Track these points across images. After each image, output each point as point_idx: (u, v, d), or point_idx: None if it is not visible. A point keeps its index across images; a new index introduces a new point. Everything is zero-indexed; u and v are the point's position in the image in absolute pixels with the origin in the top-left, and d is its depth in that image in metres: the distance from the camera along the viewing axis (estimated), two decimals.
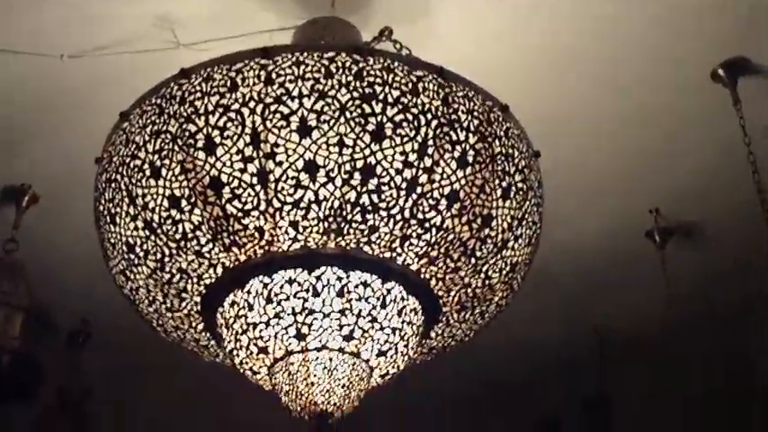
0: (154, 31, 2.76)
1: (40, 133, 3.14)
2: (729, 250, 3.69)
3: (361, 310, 2.08)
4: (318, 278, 2.07)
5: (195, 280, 2.18)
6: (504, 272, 2.27)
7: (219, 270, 2.14)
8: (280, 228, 2.02)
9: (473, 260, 2.18)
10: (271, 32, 2.64)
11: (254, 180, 1.98)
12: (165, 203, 2.05)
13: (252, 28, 2.69)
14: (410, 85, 2.04)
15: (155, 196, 2.06)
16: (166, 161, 2.03)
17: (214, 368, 2.79)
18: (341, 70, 2.01)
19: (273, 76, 2.00)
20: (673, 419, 4.34)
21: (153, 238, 2.11)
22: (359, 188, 1.98)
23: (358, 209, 2.00)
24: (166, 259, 2.14)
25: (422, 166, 2.01)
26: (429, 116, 2.03)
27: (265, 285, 2.09)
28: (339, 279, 2.08)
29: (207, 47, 2.64)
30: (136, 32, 2.78)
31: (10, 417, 3.41)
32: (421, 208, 2.04)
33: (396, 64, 2.06)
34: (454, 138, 2.05)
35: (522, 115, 2.29)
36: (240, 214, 2.01)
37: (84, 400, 4.05)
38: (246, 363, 2.19)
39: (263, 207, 1.99)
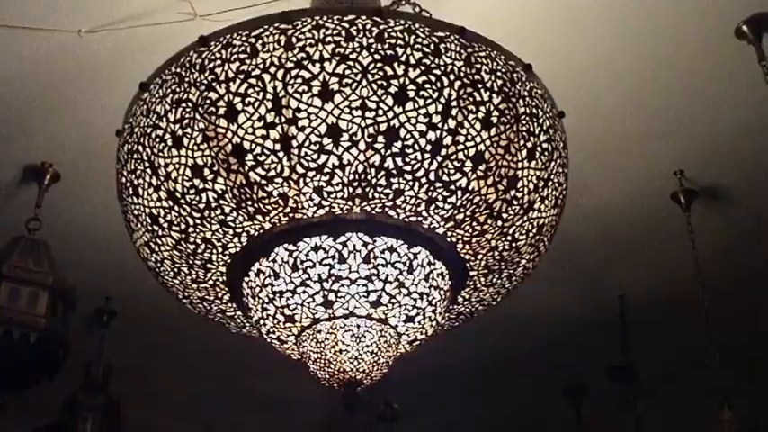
0: (170, 3, 2.74)
1: (59, 110, 3.13)
2: (755, 210, 3.66)
3: (387, 276, 2.06)
4: (344, 244, 2.05)
5: (220, 250, 2.16)
6: (530, 234, 2.24)
7: (244, 239, 2.12)
8: (304, 194, 2.00)
9: (499, 222, 2.15)
10: (288, 0, 2.61)
11: (277, 146, 1.95)
12: (188, 173, 2.03)
13: None
14: (432, 46, 2.00)
15: (177, 166, 2.04)
16: (188, 130, 2.01)
17: (239, 343, 2.79)
18: (362, 33, 1.97)
19: (294, 40, 1.97)
20: (698, 384, 4.32)
21: (176, 208, 2.09)
22: (383, 152, 1.95)
23: (382, 173, 1.97)
24: (191, 229, 2.12)
25: (446, 127, 1.98)
26: (452, 77, 1.99)
27: (291, 253, 2.07)
28: (365, 245, 2.06)
29: (224, 17, 2.61)
30: (153, 5, 2.76)
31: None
32: (446, 170, 2.01)
33: (417, 25, 2.02)
34: (478, 98, 2.02)
35: (542, 76, 2.26)
36: (264, 181, 1.99)
37: (109, 377, 4.07)
38: (274, 332, 2.18)
39: (286, 173, 1.97)
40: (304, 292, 2.06)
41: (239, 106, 1.96)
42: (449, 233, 2.14)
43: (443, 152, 1.99)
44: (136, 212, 2.20)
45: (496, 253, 2.24)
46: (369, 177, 1.97)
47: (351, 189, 1.99)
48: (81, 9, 2.78)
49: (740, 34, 2.89)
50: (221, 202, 2.05)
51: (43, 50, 2.90)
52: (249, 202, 2.03)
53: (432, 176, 2.00)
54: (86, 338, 4.01)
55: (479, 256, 2.24)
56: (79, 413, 3.90)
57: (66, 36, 2.84)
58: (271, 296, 2.11)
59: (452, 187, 2.03)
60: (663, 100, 3.18)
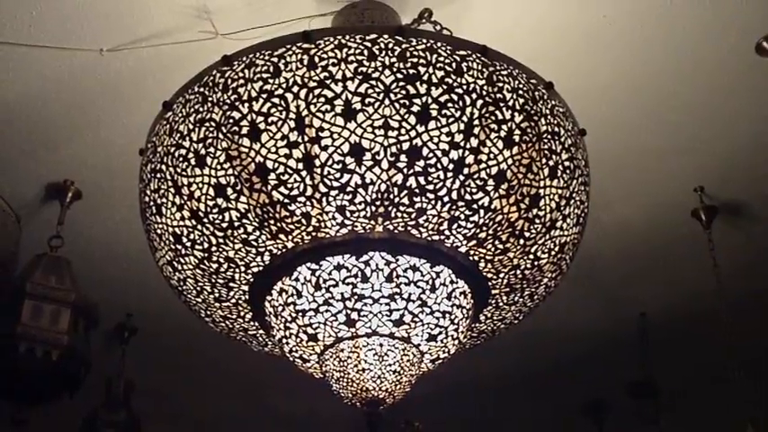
0: (192, 22, 2.75)
1: (81, 128, 3.14)
2: None
3: (410, 295, 2.07)
4: (367, 263, 2.06)
5: (243, 269, 2.17)
6: (552, 252, 2.24)
7: (267, 258, 2.13)
8: (327, 213, 2.00)
9: (522, 241, 2.15)
10: (309, 19, 2.62)
11: (300, 165, 1.96)
12: (211, 192, 2.04)
13: (289, 15, 2.67)
14: (454, 64, 2.01)
15: (200, 185, 2.05)
16: (211, 149, 2.02)
17: (259, 362, 2.79)
18: (384, 52, 1.98)
19: (316, 59, 1.98)
20: (723, 402, 4.29)
21: (199, 227, 2.10)
22: (405, 170, 1.96)
23: (405, 192, 1.98)
24: (213, 248, 2.13)
25: (468, 146, 1.98)
26: (474, 96, 2.00)
27: (313, 272, 2.08)
28: (388, 263, 2.06)
29: (245, 36, 2.63)
30: (174, 24, 2.76)
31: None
32: (468, 189, 2.01)
33: (438, 44, 2.03)
34: (500, 117, 2.02)
35: (563, 93, 2.25)
36: (287, 200, 1.99)
37: (130, 393, 4.07)
38: (296, 351, 2.18)
39: (309, 192, 1.98)
40: (327, 311, 2.06)
41: (262, 125, 1.97)
42: (471, 252, 2.14)
43: (466, 171, 1.99)
44: (159, 231, 2.20)
45: (519, 271, 2.24)
46: (391, 196, 1.98)
47: (373, 208, 1.99)
48: (103, 28, 2.79)
49: (761, 50, 2.88)
50: (244, 221, 2.05)
51: (65, 69, 2.92)
52: (272, 221, 2.03)
53: (454, 195, 2.00)
54: (107, 355, 4.02)
55: (501, 275, 2.23)
56: (99, 429, 3.90)
57: (88, 55, 2.85)
58: (293, 315, 2.11)
59: (475, 206, 2.04)
60: (683, 116, 3.16)
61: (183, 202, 2.09)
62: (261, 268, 2.15)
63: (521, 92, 2.08)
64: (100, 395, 3.98)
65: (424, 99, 1.96)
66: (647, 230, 3.69)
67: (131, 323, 4.16)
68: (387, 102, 1.94)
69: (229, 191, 2.02)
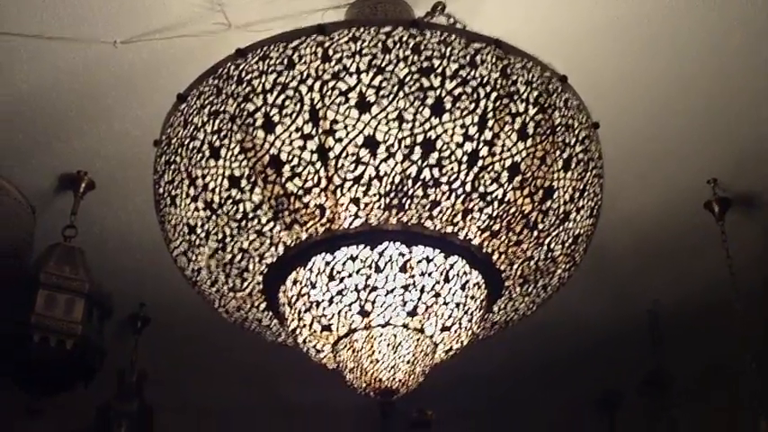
0: (205, 13, 2.76)
1: (94, 120, 3.15)
2: None
3: (424, 286, 2.07)
4: (381, 254, 2.06)
5: (257, 259, 2.18)
6: (566, 244, 2.25)
7: (281, 249, 2.14)
8: (341, 205, 2.01)
9: (535, 233, 2.16)
10: (323, 11, 2.62)
11: (314, 157, 1.97)
12: (226, 183, 2.05)
13: (303, 7, 2.68)
14: (468, 57, 2.01)
15: (215, 177, 2.06)
16: (225, 141, 2.03)
17: (271, 352, 2.81)
18: (398, 45, 1.98)
19: (330, 52, 1.98)
20: (732, 394, 4.29)
21: (214, 218, 2.11)
22: (419, 163, 1.96)
23: (419, 184, 1.98)
24: (228, 239, 2.14)
25: (482, 138, 1.99)
26: (488, 88, 2.00)
27: (327, 263, 2.09)
28: (401, 255, 2.07)
29: (259, 28, 2.64)
30: (187, 16, 2.77)
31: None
32: (482, 181, 2.01)
33: (452, 37, 2.03)
34: (514, 110, 2.03)
35: (575, 86, 2.25)
36: (301, 192, 2.00)
37: (143, 383, 4.10)
38: (310, 341, 2.19)
39: (323, 184, 1.99)
40: (341, 301, 2.07)
41: (276, 118, 1.98)
42: (485, 243, 2.14)
43: (480, 163, 2.00)
44: (173, 222, 2.22)
45: (532, 263, 2.24)
46: (405, 188, 1.98)
47: (387, 200, 2.00)
48: (117, 20, 2.80)
49: None
50: (258, 212, 2.06)
51: (80, 61, 2.93)
52: (286, 213, 2.04)
53: (468, 187, 2.01)
54: (120, 345, 4.04)
55: (515, 266, 2.24)
56: (113, 419, 3.93)
57: (102, 47, 2.86)
58: (307, 305, 2.12)
59: (488, 198, 2.04)
60: (695, 108, 3.16)
61: (197, 193, 2.10)
62: (275, 259, 2.16)
63: (535, 85, 2.08)
64: (113, 385, 4.00)
65: (438, 92, 1.96)
66: (660, 222, 3.70)
67: (144, 313, 4.19)
68: (401, 94, 1.95)
69: (243, 182, 2.03)
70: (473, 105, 1.98)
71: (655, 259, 3.91)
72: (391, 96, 1.95)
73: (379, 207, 2.01)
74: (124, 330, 4.16)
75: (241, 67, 2.06)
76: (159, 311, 4.13)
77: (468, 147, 1.98)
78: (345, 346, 2.12)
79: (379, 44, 1.99)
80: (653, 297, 4.16)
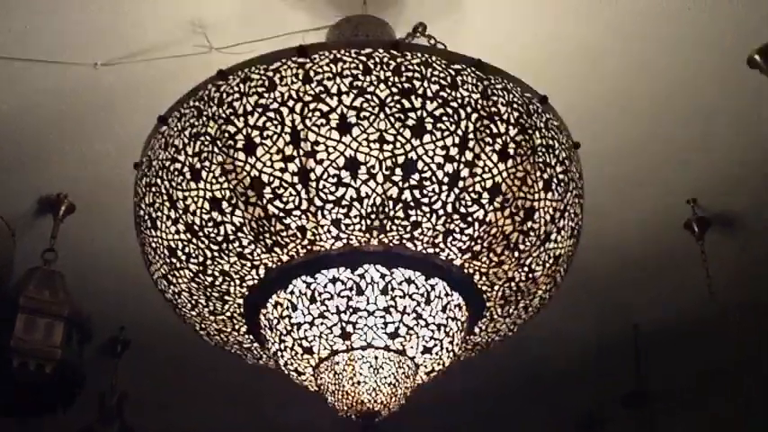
0: (186, 36, 2.76)
1: (74, 142, 3.14)
2: None
3: (405, 307, 2.07)
4: (362, 276, 2.06)
5: (238, 282, 2.17)
6: (547, 264, 2.25)
7: (262, 271, 2.13)
8: (322, 226, 2.01)
9: (516, 253, 2.16)
10: (303, 33, 2.62)
11: (295, 179, 1.96)
12: (206, 206, 2.04)
13: (284, 29, 2.68)
14: (449, 78, 2.02)
15: (195, 199, 2.05)
16: (206, 163, 2.02)
17: (254, 372, 2.79)
18: (379, 66, 1.99)
19: (311, 74, 1.98)
20: (717, 413, 4.31)
21: (195, 241, 2.10)
22: (401, 184, 1.96)
23: (400, 205, 1.98)
24: (209, 262, 2.13)
25: (463, 159, 1.99)
26: (469, 109, 2.00)
27: (308, 285, 2.08)
28: (383, 276, 2.07)
29: (240, 50, 2.63)
30: (168, 38, 2.77)
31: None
32: (463, 202, 2.02)
33: (433, 58, 2.04)
34: (495, 130, 2.03)
35: (556, 106, 2.26)
36: (282, 214, 2.00)
37: (124, 407, 4.06)
38: (291, 364, 2.18)
39: (304, 206, 1.98)
40: (322, 323, 2.06)
41: (258, 139, 1.98)
42: (466, 264, 2.14)
43: (461, 184, 2.00)
44: (154, 245, 2.20)
45: (513, 284, 2.24)
46: (386, 210, 1.98)
47: (369, 221, 2.00)
48: (97, 42, 2.79)
49: (753, 63, 2.88)
50: (239, 234, 2.05)
51: (60, 83, 2.92)
52: (267, 235, 2.04)
53: (449, 208, 2.01)
54: (100, 368, 4.00)
55: (496, 287, 2.24)
56: None
57: (82, 69, 2.86)
58: (288, 328, 2.11)
59: (470, 219, 2.04)
60: (676, 129, 3.18)
61: (178, 215, 2.09)
62: (256, 281, 2.15)
63: (515, 105, 2.09)
64: (94, 409, 3.97)
65: (419, 113, 1.96)
66: (640, 242, 3.71)
67: (125, 336, 4.15)
68: (382, 116, 1.95)
69: (225, 204, 2.02)
70: (454, 126, 1.98)
71: (636, 278, 3.92)
72: (372, 117, 1.95)
73: (360, 228, 2.01)
74: (104, 353, 4.12)
75: (222, 89, 2.06)
76: (140, 334, 4.09)
77: (449, 168, 1.98)
78: (327, 368, 2.10)
79: (360, 65, 1.99)
80: (634, 316, 4.16)
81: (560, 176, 2.17)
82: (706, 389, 4.44)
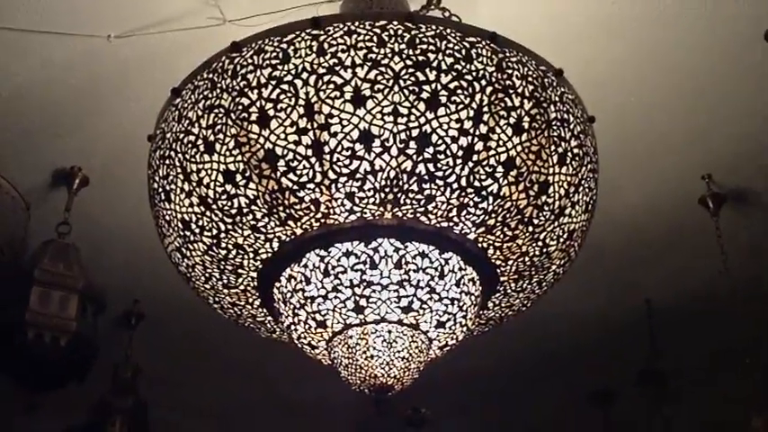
0: (200, 8, 2.75)
1: (88, 115, 3.14)
2: None
3: (419, 281, 2.06)
4: (376, 250, 2.05)
5: (251, 255, 2.16)
6: (561, 239, 2.24)
7: (276, 244, 2.12)
8: (336, 200, 2.00)
9: (531, 228, 2.15)
10: (317, 5, 2.61)
11: (309, 152, 1.96)
12: (220, 179, 2.04)
13: (298, 1, 2.66)
14: (463, 51, 2.00)
15: (209, 172, 2.05)
16: (220, 136, 2.01)
17: (268, 348, 2.80)
18: (393, 38, 1.97)
19: (326, 46, 1.97)
20: (729, 390, 4.30)
21: (208, 213, 2.10)
22: (415, 157, 1.95)
23: (414, 178, 1.97)
24: (222, 235, 2.13)
25: (477, 133, 1.98)
26: (483, 82, 1.99)
27: (322, 258, 2.08)
28: (396, 250, 2.06)
29: (253, 22, 2.62)
30: (182, 10, 2.77)
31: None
32: (477, 176, 2.00)
33: (448, 30, 2.02)
34: (509, 104, 2.02)
35: (571, 80, 2.25)
36: (296, 187, 1.99)
37: (138, 380, 4.08)
38: (305, 337, 2.18)
39: (318, 179, 1.97)
40: (335, 297, 2.06)
41: (271, 112, 1.97)
42: (480, 239, 2.13)
43: (475, 158, 1.99)
44: (168, 218, 2.20)
45: (527, 258, 2.23)
46: (400, 183, 1.97)
47: (383, 195, 1.99)
48: (110, 15, 2.79)
49: None
50: (253, 207, 2.05)
51: (74, 55, 2.92)
52: (281, 208, 2.03)
53: (463, 182, 2.00)
54: (114, 341, 4.02)
55: (510, 262, 2.23)
56: (108, 415, 3.91)
57: (95, 41, 2.85)
58: (302, 301, 2.11)
59: (484, 193, 2.03)
60: (691, 103, 3.15)
61: (192, 188, 2.09)
62: (270, 255, 2.15)
63: (530, 79, 2.07)
64: (107, 381, 3.99)
65: (433, 85, 1.95)
66: (655, 218, 3.69)
67: (139, 309, 4.17)
68: (396, 88, 1.93)
69: (238, 177, 2.02)
70: (468, 99, 1.97)
71: (649, 255, 3.91)
72: (387, 90, 1.94)
73: (374, 202, 2.00)
74: (118, 327, 4.14)
75: (236, 61, 2.05)
76: (154, 307, 4.11)
77: (464, 141, 1.97)
78: (340, 342, 2.10)
79: (375, 38, 1.98)
80: (648, 292, 4.15)
81: (575, 150, 2.15)
82: (717, 366, 4.42)
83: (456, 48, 2.00)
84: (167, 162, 2.14)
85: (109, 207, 3.56)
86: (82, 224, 3.40)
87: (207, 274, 2.26)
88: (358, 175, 1.96)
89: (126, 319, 4.17)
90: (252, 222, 2.08)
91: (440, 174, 1.98)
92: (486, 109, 1.98)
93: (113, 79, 3.01)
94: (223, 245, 2.15)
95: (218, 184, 2.05)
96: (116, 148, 3.26)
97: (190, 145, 2.07)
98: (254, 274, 2.22)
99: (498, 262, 2.22)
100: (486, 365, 4.55)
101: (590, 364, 4.61)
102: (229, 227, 2.10)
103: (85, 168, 3.37)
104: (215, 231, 2.13)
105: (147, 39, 2.84)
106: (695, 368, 4.49)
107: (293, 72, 1.96)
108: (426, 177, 1.98)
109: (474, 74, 1.99)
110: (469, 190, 2.02)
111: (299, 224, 2.06)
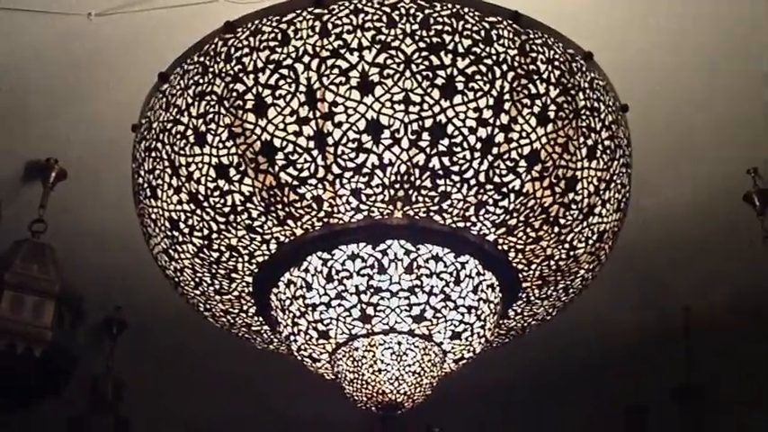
0: None
1: (66, 101, 3.15)
2: None
3: (432, 288, 2.07)
4: (384, 252, 2.06)
5: (246, 258, 2.18)
6: (590, 241, 2.24)
7: (273, 246, 2.14)
8: (340, 197, 2.01)
9: (556, 228, 2.16)
10: None
11: (311, 144, 1.96)
12: (212, 173, 2.05)
13: None
14: (482, 32, 2.00)
15: (200, 165, 2.06)
16: (212, 126, 2.02)
17: (262, 360, 2.80)
18: (405, 18, 1.98)
19: (329, 26, 1.97)
20: None
21: (199, 212, 2.11)
22: (428, 150, 1.96)
23: (427, 173, 1.98)
24: (214, 236, 2.14)
25: (498, 123, 1.98)
26: (505, 67, 1.99)
27: (325, 262, 2.09)
28: (407, 253, 2.07)
29: None
30: None
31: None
32: (497, 171, 2.01)
33: (465, 9, 2.02)
34: (533, 91, 2.02)
35: (601, 65, 2.25)
36: (296, 183, 2.00)
37: (120, 393, 4.10)
38: (305, 349, 2.19)
39: (321, 174, 1.98)
40: (339, 305, 2.07)
41: (269, 99, 1.97)
42: (500, 240, 2.14)
43: (495, 151, 1.99)
44: (154, 216, 2.21)
45: (552, 262, 2.24)
46: (412, 179, 1.98)
47: (392, 191, 2.00)
48: None
49: None
50: (248, 205, 2.06)
51: (49, 36, 2.92)
52: (279, 206, 2.04)
53: (482, 178, 2.00)
54: (94, 351, 4.04)
55: (533, 266, 2.24)
56: None
57: (74, 20, 2.85)
58: (302, 310, 2.12)
59: (504, 190, 2.04)
60: (736, 87, 3.14)
61: (180, 183, 2.10)
62: (267, 257, 2.16)
63: (557, 63, 2.07)
64: (86, 396, 4.00)
65: (449, 71, 1.95)
66: (694, 216, 3.69)
67: (121, 316, 4.19)
68: (408, 74, 1.94)
69: (232, 172, 2.03)
70: (488, 86, 1.97)
71: (688, 258, 3.90)
72: (397, 76, 1.94)
73: (382, 200, 2.01)
74: (99, 336, 4.15)
75: (230, 43, 2.06)
76: (138, 315, 4.12)
77: (483, 132, 1.97)
78: (345, 354, 2.12)
79: (384, 17, 1.98)
80: (686, 300, 4.15)
81: (606, 143, 2.16)
82: (761, 382, 4.42)
83: (474, 29, 2.00)
84: (153, 155, 2.15)
85: (88, 203, 3.56)
86: (58, 222, 3.40)
87: (197, 279, 2.28)
88: (365, 170, 1.97)
89: (107, 327, 4.18)
90: (247, 222, 2.09)
91: (456, 168, 1.98)
92: (507, 97, 1.99)
93: (94, 62, 3.01)
94: (215, 246, 2.16)
95: (209, 179, 2.06)
96: (97, 137, 3.26)
97: (179, 136, 2.08)
98: (250, 279, 2.24)
99: (520, 266, 2.23)
100: (506, 377, 4.56)
101: (621, 376, 4.61)
102: (222, 227, 2.11)
103: (62, 160, 3.37)
104: (206, 231, 2.14)
105: (131, 17, 2.84)
106: (736, 383, 4.48)
107: (293, 55, 1.97)
108: (441, 172, 1.98)
109: (494, 58, 1.99)
110: (489, 186, 2.02)
111: (299, 224, 2.07)
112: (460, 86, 1.96)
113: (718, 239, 3.79)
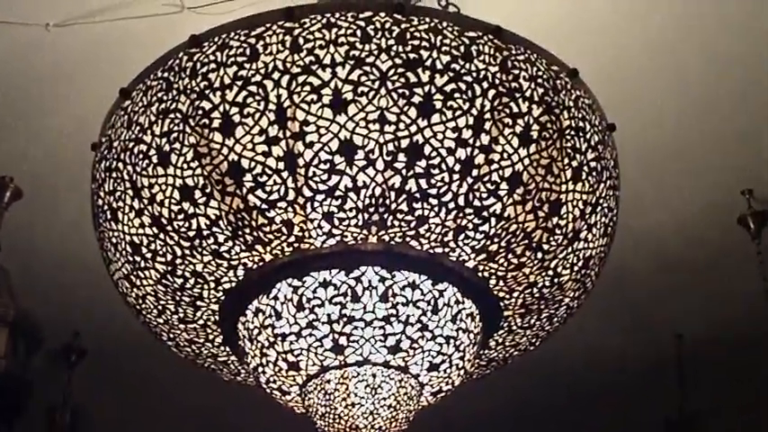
0: None
1: (22, 115, 3.15)
2: None
3: (408, 317, 2.07)
4: (358, 279, 2.07)
5: (212, 285, 2.18)
6: (575, 268, 2.25)
7: (241, 272, 2.13)
8: (311, 221, 2.01)
9: (539, 254, 2.16)
10: None
11: (281, 165, 1.96)
12: (176, 195, 2.04)
13: None
14: (462, 48, 2.01)
15: (163, 187, 2.05)
16: (177, 145, 2.02)
17: (229, 392, 2.80)
18: (380, 33, 1.98)
19: (301, 41, 1.98)
20: None
21: (162, 236, 2.10)
22: (404, 172, 1.96)
23: (403, 196, 1.98)
24: (178, 261, 2.13)
25: (478, 144, 1.99)
26: (485, 85, 2.00)
27: (295, 289, 2.09)
28: (382, 280, 2.07)
29: (217, 10, 2.64)
30: None
31: None
32: (477, 194, 2.01)
33: (444, 24, 2.04)
34: (515, 110, 2.03)
35: (587, 81, 2.26)
36: (265, 206, 2.00)
37: (77, 426, 4.08)
38: (275, 381, 2.19)
39: (291, 197, 1.98)
40: (311, 335, 2.07)
41: (237, 118, 1.97)
42: (480, 267, 2.15)
43: (475, 173, 2.00)
44: (114, 240, 2.21)
45: (535, 290, 2.25)
46: (387, 202, 1.98)
47: (366, 215, 2.00)
48: None
49: None
50: (214, 229, 2.05)
51: (5, 47, 2.92)
52: (247, 230, 2.04)
53: (461, 201, 2.01)
54: (51, 380, 4.02)
55: (516, 294, 2.25)
56: None
57: (31, 30, 2.86)
58: (271, 339, 2.12)
59: (485, 214, 2.04)
60: (728, 107, 3.17)
61: (143, 206, 2.10)
62: (234, 284, 2.16)
63: (540, 80, 2.08)
64: (42, 427, 3.98)
65: (426, 88, 1.96)
66: (686, 240, 3.71)
67: (79, 343, 4.17)
68: (383, 91, 1.94)
69: (198, 194, 2.02)
70: (467, 105, 1.98)
71: (680, 282, 3.93)
72: (372, 93, 1.94)
73: (356, 224, 2.01)
74: (55, 364, 4.13)
75: (195, 58, 2.06)
76: (97, 342, 4.10)
77: (462, 153, 1.98)
78: (316, 387, 2.12)
79: (358, 32, 1.99)
80: (678, 327, 4.16)
81: (592, 164, 2.17)
82: (758, 411, 4.43)
83: (453, 44, 2.01)
84: (114, 175, 2.14)
85: (45, 224, 3.56)
86: (13, 244, 3.40)
87: (160, 307, 2.27)
88: (338, 193, 1.97)
89: (64, 354, 4.16)
90: (213, 247, 2.08)
91: (434, 191, 1.98)
92: (488, 116, 1.99)
93: (52, 75, 3.01)
94: (179, 272, 2.16)
95: (173, 201, 2.05)
96: (55, 155, 3.26)
97: (141, 155, 2.07)
98: (216, 307, 2.24)
99: (502, 294, 2.24)
100: (487, 408, 4.56)
101: (609, 406, 4.62)
102: (187, 252, 2.11)
103: (17, 178, 3.36)
104: (170, 257, 2.13)
105: (92, 28, 2.85)
106: (732, 414, 4.50)
107: (263, 71, 1.97)
108: (418, 195, 1.98)
109: (474, 75, 2.00)
110: (468, 210, 2.02)
111: (268, 249, 2.07)
112: (439, 105, 1.96)
113: (711, 264, 3.82)
